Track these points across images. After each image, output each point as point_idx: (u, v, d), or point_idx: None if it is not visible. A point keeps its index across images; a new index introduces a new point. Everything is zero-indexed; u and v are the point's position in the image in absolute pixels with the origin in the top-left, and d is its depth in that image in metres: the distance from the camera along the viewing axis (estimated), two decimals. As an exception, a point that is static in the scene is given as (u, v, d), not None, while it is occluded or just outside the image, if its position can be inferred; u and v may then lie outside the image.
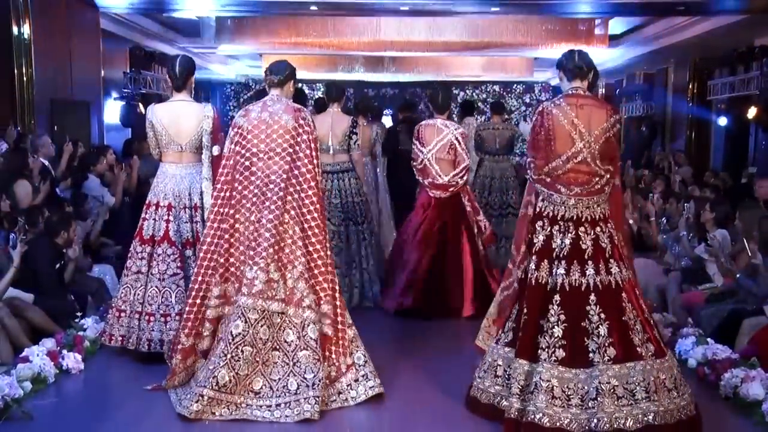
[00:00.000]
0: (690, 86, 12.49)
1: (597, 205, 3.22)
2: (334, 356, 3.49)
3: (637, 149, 15.33)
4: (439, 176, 5.32)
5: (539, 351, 3.10)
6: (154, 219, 4.12)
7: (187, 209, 4.12)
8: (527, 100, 19.30)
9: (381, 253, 5.78)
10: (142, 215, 4.16)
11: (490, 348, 3.39)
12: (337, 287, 3.56)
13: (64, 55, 8.53)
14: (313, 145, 3.62)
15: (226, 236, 3.58)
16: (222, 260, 3.56)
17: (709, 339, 4.34)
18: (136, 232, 4.14)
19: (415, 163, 5.45)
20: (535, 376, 3.07)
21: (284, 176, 3.55)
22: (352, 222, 5.46)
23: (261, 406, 3.30)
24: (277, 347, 3.40)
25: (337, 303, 3.54)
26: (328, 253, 3.56)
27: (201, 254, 3.61)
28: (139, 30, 11.30)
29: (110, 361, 4.25)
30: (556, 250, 3.18)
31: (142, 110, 11.21)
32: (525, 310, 3.22)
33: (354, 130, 5.46)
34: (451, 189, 5.33)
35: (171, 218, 4.09)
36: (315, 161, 3.61)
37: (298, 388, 3.33)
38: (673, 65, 13.58)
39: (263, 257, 3.45)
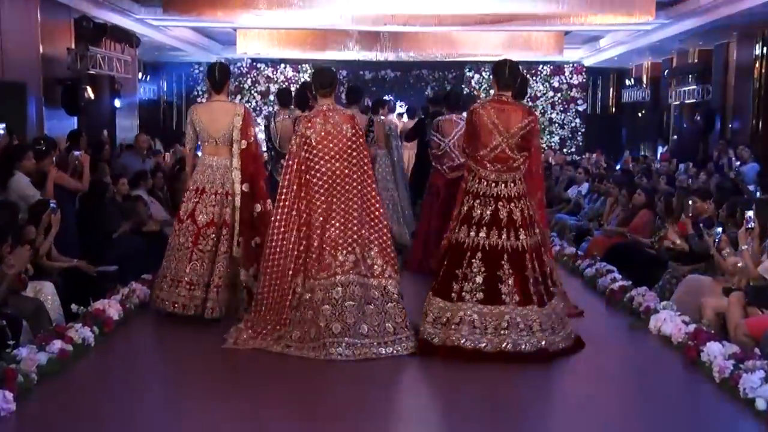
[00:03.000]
0: (757, 65, 12.31)
1: (513, 183, 5.08)
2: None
3: (689, 142, 15.25)
4: (458, 158, 7.44)
5: (464, 293, 4.93)
6: (196, 202, 5.75)
7: (218, 194, 5.73)
8: (556, 84, 19.21)
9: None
10: (184, 198, 5.83)
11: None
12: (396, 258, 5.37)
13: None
14: (365, 145, 5.37)
15: (314, 229, 5.12)
16: (302, 247, 5.15)
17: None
18: (177, 213, 5.87)
19: (434, 151, 7.76)
20: (460, 312, 4.91)
21: (354, 175, 5.20)
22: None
23: (372, 344, 4.94)
24: (369, 302, 5.06)
25: (397, 268, 5.31)
26: (389, 233, 5.31)
27: (300, 248, 5.16)
28: (86, -3, 11.19)
29: (49, 399, 4.23)
30: (476, 218, 5.04)
31: (91, 95, 11.24)
32: (446, 262, 5.08)
33: (371, 128, 7.82)
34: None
35: (200, 200, 5.72)
36: (369, 159, 5.37)
37: (395, 330, 5.03)
38: (735, 40, 13.35)
39: (347, 243, 5.10)
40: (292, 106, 8.16)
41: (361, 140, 5.30)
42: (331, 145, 5.20)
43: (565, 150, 18.80)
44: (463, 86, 18.95)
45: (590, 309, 6.23)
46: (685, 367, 4.88)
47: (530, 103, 18.75)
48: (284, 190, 5.24)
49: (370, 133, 7.72)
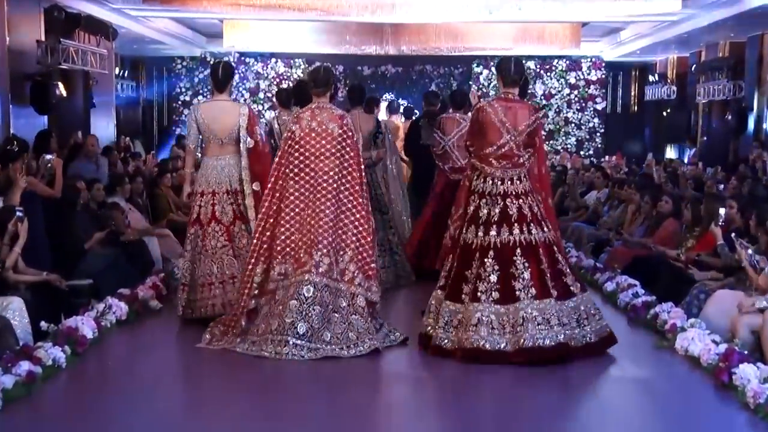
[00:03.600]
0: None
1: (519, 180, 5.53)
2: (375, 314, 5.79)
3: (719, 144, 15.23)
4: (458, 160, 8.08)
5: (479, 294, 5.32)
6: (200, 205, 6.38)
7: (230, 193, 6.36)
8: (572, 80, 19.20)
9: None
10: (192, 203, 6.47)
11: (433, 292, 5.64)
12: (378, 266, 5.98)
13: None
14: (356, 147, 5.82)
15: (283, 222, 5.68)
16: (283, 244, 5.66)
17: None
18: (189, 218, 6.58)
19: (435, 149, 8.29)
20: (477, 313, 5.29)
21: (335, 176, 5.68)
22: (378, 212, 7.69)
23: (334, 349, 5.40)
24: (336, 310, 5.53)
25: (379, 278, 5.90)
26: (373, 237, 5.76)
27: (262, 237, 5.72)
28: (59, -14, 11.25)
29: (15, 426, 4.21)
30: (484, 218, 5.46)
31: (63, 92, 11.23)
32: (455, 264, 5.52)
33: (379, 131, 8.19)
34: (467, 172, 7.78)
35: (216, 202, 6.36)
36: (359, 160, 5.81)
37: (357, 338, 5.48)
38: (770, 32, 13.27)
39: (324, 244, 5.58)
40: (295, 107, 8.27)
41: (349, 141, 5.76)
42: (313, 142, 5.73)
43: (582, 152, 18.79)
44: (470, 83, 18.95)
45: (610, 326, 6.25)
46: (716, 391, 4.86)
47: (544, 102, 18.78)
48: (268, 185, 5.82)
49: (379, 135, 8.16)
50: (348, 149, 5.75)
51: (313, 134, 5.74)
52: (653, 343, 5.84)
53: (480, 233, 5.44)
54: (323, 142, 5.73)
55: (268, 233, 5.73)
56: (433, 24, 15.49)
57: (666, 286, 6.82)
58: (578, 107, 19.20)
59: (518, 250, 5.35)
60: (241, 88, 18.52)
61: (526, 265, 5.31)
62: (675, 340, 5.61)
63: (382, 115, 13.24)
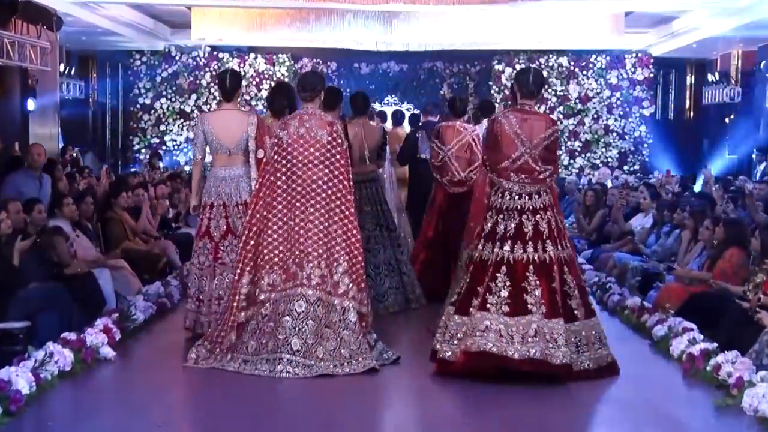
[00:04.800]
0: None
1: (538, 195, 6.36)
2: (367, 328, 6.57)
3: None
4: (458, 173, 9.01)
5: (488, 305, 6.13)
6: (209, 218, 7.40)
7: (240, 206, 7.34)
8: (614, 80, 19.20)
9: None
10: (201, 215, 7.51)
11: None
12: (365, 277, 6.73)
13: None
14: (345, 155, 6.62)
15: (270, 232, 6.51)
16: (271, 255, 6.49)
17: None
18: (197, 231, 7.58)
19: (433, 160, 9.13)
20: (485, 321, 6.08)
21: (325, 186, 6.51)
22: (385, 229, 8.75)
23: (328, 366, 6.20)
24: (328, 325, 6.35)
25: (367, 291, 6.74)
26: (361, 249, 6.61)
27: (246, 247, 6.55)
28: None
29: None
30: (500, 233, 6.29)
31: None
32: (467, 279, 6.39)
33: (385, 141, 9.04)
34: (467, 184, 8.94)
35: (228, 214, 7.36)
36: (348, 169, 6.62)
37: (350, 356, 6.29)
38: None
39: (315, 255, 6.43)
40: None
41: (338, 149, 6.59)
42: (301, 149, 6.56)
43: (626, 167, 18.81)
44: (490, 83, 19.04)
45: (661, 379, 6.23)
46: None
47: (579, 105, 18.83)
48: (255, 197, 6.65)
49: (385, 146, 9.02)
50: (337, 157, 6.57)
51: (301, 141, 6.56)
52: (714, 401, 5.80)
53: (496, 249, 6.27)
54: (311, 149, 6.55)
55: (252, 242, 6.54)
56: (445, 12, 15.54)
57: (729, 330, 6.80)
58: (621, 113, 19.21)
59: (531, 268, 6.18)
60: (212, 90, 18.55)
61: (538, 282, 6.14)
62: (741, 398, 5.58)
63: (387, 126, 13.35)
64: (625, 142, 19.19)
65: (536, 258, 6.20)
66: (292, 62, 18.97)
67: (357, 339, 6.37)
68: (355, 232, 6.57)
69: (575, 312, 6.29)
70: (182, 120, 18.75)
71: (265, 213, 6.55)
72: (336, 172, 6.55)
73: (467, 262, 6.60)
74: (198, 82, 18.81)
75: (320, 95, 6.80)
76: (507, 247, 6.24)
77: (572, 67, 18.96)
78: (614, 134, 19.17)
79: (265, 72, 18.85)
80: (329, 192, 6.53)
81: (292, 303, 6.34)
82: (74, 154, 15.32)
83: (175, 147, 18.82)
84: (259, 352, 6.32)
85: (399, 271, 8.74)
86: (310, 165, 6.54)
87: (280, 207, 6.55)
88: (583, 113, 18.92)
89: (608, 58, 19.07)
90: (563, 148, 18.56)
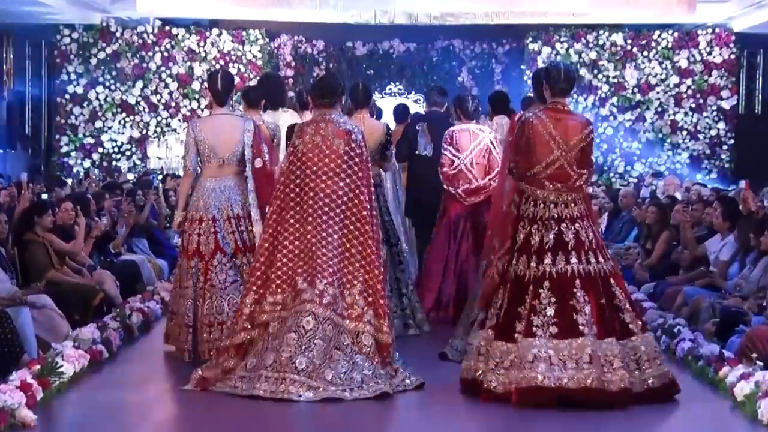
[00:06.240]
0: None
1: (574, 204, 7.18)
2: (389, 359, 7.41)
3: None
4: (476, 179, 9.96)
5: (534, 329, 6.90)
6: (198, 234, 8.27)
7: (231, 220, 8.30)
8: (683, 64, 19.16)
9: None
10: (183, 230, 8.42)
11: (473, 332, 7.40)
12: (388, 300, 7.71)
13: None
14: (366, 166, 7.60)
15: (281, 248, 7.43)
16: (279, 272, 7.40)
17: None
18: (182, 250, 8.49)
19: (446, 170, 10.00)
20: (533, 349, 6.85)
21: (339, 200, 7.41)
22: (386, 243, 9.09)
23: (336, 390, 6.94)
24: (338, 347, 7.17)
25: (390, 318, 7.58)
26: (382, 269, 7.48)
27: (256, 264, 7.53)
28: None
29: None
30: (536, 245, 7.08)
31: None
32: (505, 300, 7.10)
33: (389, 139, 9.65)
34: (484, 192, 9.94)
35: (217, 230, 8.25)
36: (370, 181, 7.61)
37: (362, 380, 7.09)
38: None
39: (330, 273, 7.30)
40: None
41: (357, 160, 7.48)
42: (316, 160, 7.45)
43: (700, 175, 18.76)
44: (523, 67, 19.06)
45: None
46: None
47: (638, 96, 18.82)
48: (270, 210, 7.58)
49: (389, 145, 9.64)
50: (356, 168, 7.49)
51: (317, 150, 7.49)
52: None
53: (533, 263, 7.06)
54: (326, 160, 7.47)
55: (262, 259, 7.48)
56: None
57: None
58: (693, 105, 19.22)
59: (577, 282, 6.97)
60: (163, 75, 18.58)
61: (587, 299, 6.93)
62: None
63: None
64: (699, 143, 19.19)
65: (581, 270, 7.01)
66: (267, 40, 18.97)
67: (372, 364, 7.19)
68: (375, 251, 7.44)
69: (630, 326, 7.09)
70: (124, 114, 18.80)
71: (277, 227, 7.49)
72: (354, 185, 7.47)
73: (492, 276, 7.32)
74: (145, 65, 18.85)
75: (341, 101, 7.81)
76: (548, 260, 7.02)
77: (629, 47, 18.98)
78: (684, 133, 19.17)
79: (233, 53, 18.85)
80: (347, 206, 7.46)
81: (299, 319, 7.17)
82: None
83: (116, 149, 18.81)
84: (257, 367, 7.12)
85: (398, 292, 9.49)
86: (324, 177, 7.44)
87: (291, 221, 7.46)
88: (644, 106, 18.97)
89: (676, 34, 19.10)
90: (617, 150, 18.57)
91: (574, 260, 7.02)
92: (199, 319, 8.22)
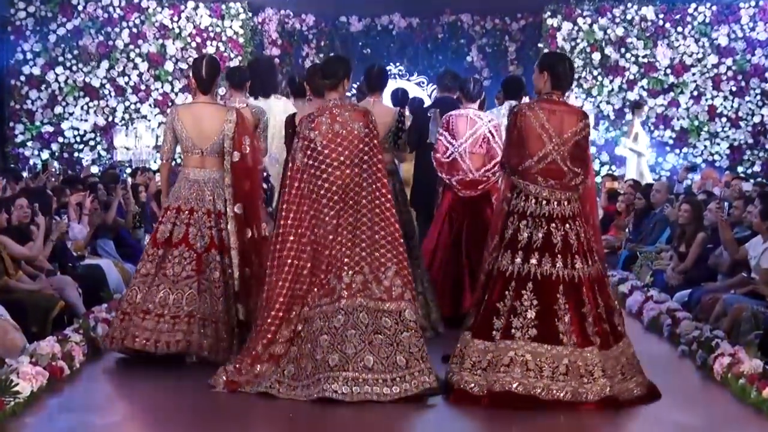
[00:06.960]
0: None
1: (568, 202, 7.75)
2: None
3: None
4: (471, 172, 10.37)
5: (512, 330, 7.54)
6: (173, 223, 8.79)
7: (212, 215, 8.79)
8: (722, 41, 19.17)
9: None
10: (159, 219, 9.02)
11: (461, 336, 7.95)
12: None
13: None
14: (380, 149, 8.20)
15: (307, 248, 8.02)
16: (306, 273, 7.99)
17: None
18: (151, 236, 9.07)
19: (439, 155, 10.52)
20: (510, 352, 7.51)
21: (359, 188, 8.01)
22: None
23: (377, 380, 7.58)
24: (378, 331, 7.71)
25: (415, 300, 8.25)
26: (406, 255, 8.08)
27: (284, 270, 8.01)
28: None
29: None
30: (523, 242, 7.66)
31: None
32: (485, 296, 7.76)
33: (402, 126, 9.91)
34: (481, 186, 10.46)
35: (192, 222, 8.76)
36: (384, 164, 8.23)
37: (407, 363, 7.63)
38: None
39: (357, 261, 7.90)
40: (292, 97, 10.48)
41: (375, 142, 8.08)
42: (340, 149, 8.04)
43: (740, 169, 18.74)
44: (540, 45, 19.08)
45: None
46: None
47: (672, 78, 18.83)
48: (285, 206, 8.04)
49: (401, 133, 9.88)
50: (374, 152, 8.08)
51: (339, 139, 8.08)
52: None
53: (518, 259, 7.67)
54: (350, 147, 8.07)
55: (308, 264, 8.01)
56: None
57: None
58: (734, 88, 19.21)
59: (561, 287, 7.59)
60: (132, 55, 18.59)
61: (567, 307, 7.54)
62: None
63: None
64: (740, 131, 19.16)
65: (566, 276, 7.63)
66: (249, 15, 19.00)
67: (418, 341, 7.73)
68: (398, 235, 8.04)
69: (614, 334, 7.80)
70: (88, 99, 18.85)
71: (316, 230, 8.04)
72: (373, 168, 8.07)
73: (480, 279, 8.03)
74: (111, 43, 18.87)
75: (344, 83, 8.21)
76: (534, 260, 7.66)
77: (661, 22, 19.00)
78: (723, 120, 19.15)
79: (211, 29, 18.88)
80: (368, 191, 8.05)
81: (330, 320, 7.77)
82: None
83: (78, 138, 18.82)
84: (298, 377, 7.80)
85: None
86: (348, 163, 8.04)
87: (328, 219, 8.02)
88: (678, 89, 19.00)
89: (715, 8, 19.09)
90: (650, 139, 18.54)
91: (559, 264, 7.62)
92: (138, 304, 8.63)
